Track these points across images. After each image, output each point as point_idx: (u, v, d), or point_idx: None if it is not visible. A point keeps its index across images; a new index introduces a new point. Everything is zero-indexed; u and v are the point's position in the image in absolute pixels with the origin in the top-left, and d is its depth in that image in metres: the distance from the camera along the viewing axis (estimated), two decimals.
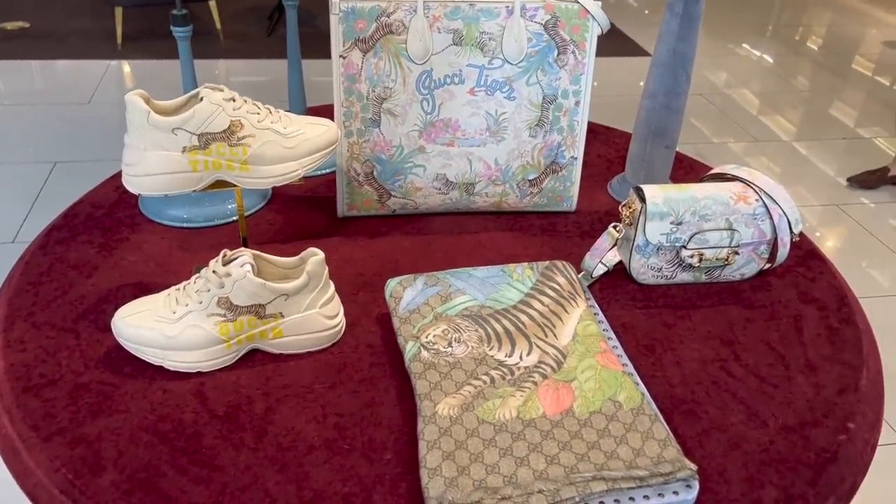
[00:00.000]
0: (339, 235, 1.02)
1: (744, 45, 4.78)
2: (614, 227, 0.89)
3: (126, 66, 3.78)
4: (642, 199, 0.89)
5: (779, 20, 5.47)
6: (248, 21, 4.45)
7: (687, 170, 1.21)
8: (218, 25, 4.21)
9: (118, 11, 3.95)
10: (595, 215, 1.08)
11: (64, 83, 3.51)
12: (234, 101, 0.81)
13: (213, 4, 4.16)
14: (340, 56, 0.94)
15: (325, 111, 1.29)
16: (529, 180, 1.04)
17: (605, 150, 1.27)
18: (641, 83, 3.93)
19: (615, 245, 0.90)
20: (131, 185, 0.80)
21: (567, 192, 1.06)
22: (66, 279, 0.91)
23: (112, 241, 0.98)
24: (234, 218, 1.04)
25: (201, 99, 0.80)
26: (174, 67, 3.75)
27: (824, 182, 3.14)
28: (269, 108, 0.85)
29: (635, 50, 4.33)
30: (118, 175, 1.13)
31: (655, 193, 0.88)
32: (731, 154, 3.28)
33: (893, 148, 3.52)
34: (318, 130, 0.86)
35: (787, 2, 5.86)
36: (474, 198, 1.05)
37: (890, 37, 5.30)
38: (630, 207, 0.90)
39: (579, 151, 1.04)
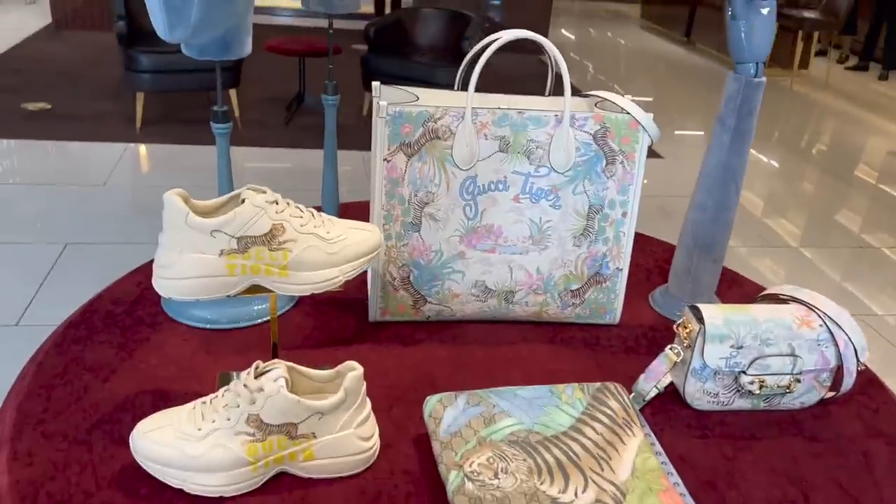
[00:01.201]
0: (370, 342, 0.97)
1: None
2: (672, 349, 0.84)
3: (143, 150, 3.82)
4: (700, 320, 0.84)
5: (785, 126, 5.58)
6: (266, 110, 4.54)
7: (730, 283, 1.16)
8: (237, 113, 4.28)
9: (139, 96, 4.02)
10: (639, 329, 1.03)
11: (80, 164, 3.54)
12: (276, 203, 0.78)
13: (232, 92, 4.24)
14: (384, 160, 0.91)
15: (358, 208, 1.26)
16: (572, 291, 1.00)
17: (643, 259, 1.23)
18: (645, 181, 3.96)
19: (672, 368, 0.85)
20: (163, 288, 0.76)
21: (611, 304, 1.01)
22: (80, 383, 0.85)
23: (131, 341, 0.93)
24: (260, 320, 0.98)
25: (243, 201, 0.76)
26: (190, 152, 3.79)
27: (832, 287, 3.11)
28: (311, 212, 0.81)
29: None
30: (140, 270, 1.08)
31: (714, 314, 0.84)
32: (738, 257, 3.26)
33: None
34: (362, 236, 0.82)
35: (793, 109, 6.00)
36: (513, 307, 1.00)
37: (894, 146, 5.39)
38: (686, 328, 0.85)
39: (625, 263, 1.00)
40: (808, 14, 6.55)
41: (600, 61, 7.30)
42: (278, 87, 4.99)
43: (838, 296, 3.04)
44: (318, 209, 1.21)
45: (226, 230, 0.75)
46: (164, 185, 3.42)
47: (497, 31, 0.91)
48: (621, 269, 1.00)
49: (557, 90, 0.94)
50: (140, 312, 0.99)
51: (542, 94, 1.01)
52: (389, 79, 4.18)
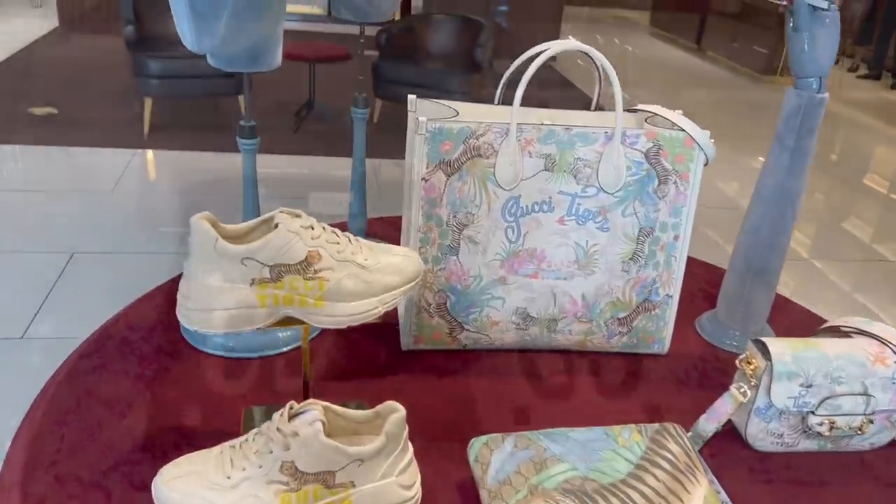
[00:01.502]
0: (403, 372, 0.91)
1: (759, 158, 4.78)
2: (738, 388, 0.78)
3: (151, 156, 3.76)
4: (766, 356, 0.78)
5: None
6: (274, 116, 4.48)
7: (780, 309, 1.10)
8: None
9: (147, 102, 3.97)
10: (689, 359, 0.97)
11: (87, 171, 3.48)
12: (312, 228, 0.72)
13: (241, 99, 4.19)
14: (422, 179, 0.85)
15: (385, 225, 1.20)
16: (619, 319, 0.93)
17: (686, 281, 1.16)
18: None
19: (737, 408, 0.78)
20: (189, 320, 0.70)
21: (659, 332, 0.95)
22: (95, 418, 0.79)
23: (149, 371, 0.87)
24: (286, 348, 0.92)
25: (276, 225, 0.70)
26: (199, 158, 3.73)
27: (843, 300, 3.04)
28: (347, 237, 0.75)
29: None
30: (157, 292, 1.02)
31: (782, 350, 0.77)
32: None
33: None
34: (401, 262, 0.76)
35: None
36: (556, 335, 0.93)
37: None
38: (751, 363, 0.78)
39: (676, 289, 0.93)
40: None
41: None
42: (287, 93, 4.93)
43: (850, 309, 2.97)
44: (344, 228, 1.15)
45: (258, 258, 0.69)
46: (173, 192, 3.36)
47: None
48: (671, 296, 0.94)
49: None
50: (158, 339, 0.93)
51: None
52: (400, 86, 4.12)
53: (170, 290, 1.03)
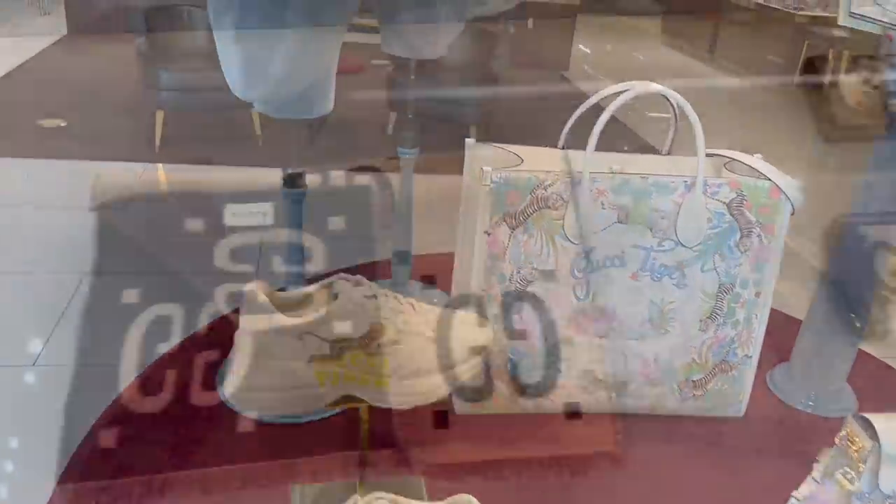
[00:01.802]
0: (459, 441, 0.83)
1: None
2: (845, 475, 0.70)
3: (163, 170, 3.70)
4: (871, 434, 0.70)
5: (815, 144, 5.44)
6: (287, 128, 4.42)
7: (857, 365, 1.02)
8: (258, 131, 4.16)
9: (159, 114, 3.91)
10: (766, 424, 0.90)
11: (97, 185, 3.42)
12: (375, 297, 0.64)
13: (253, 111, 4.12)
14: (485, 232, 0.78)
15: (434, 265, 1.12)
16: (693, 381, 0.86)
17: None
18: None
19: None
20: (241, 402, 0.62)
21: (736, 395, 0.88)
22: (131, 496, 0.71)
23: (186, 440, 0.80)
24: (337, 411, 0.85)
25: (336, 296, 0.63)
26: (212, 172, 3.67)
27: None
28: (411, 304, 0.68)
29: None
30: (188, 345, 0.95)
31: (889, 427, 0.70)
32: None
33: None
34: (472, 333, 0.69)
35: (818, 130, 5.86)
36: (625, 399, 0.86)
37: None
38: (854, 444, 0.71)
39: (755, 350, 0.86)
40: (837, 33, 6.43)
41: (619, 77, 7.17)
42: None
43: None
44: (386, 269, 1.08)
45: (318, 332, 0.62)
46: (187, 206, 3.30)
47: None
48: (750, 357, 0.86)
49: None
50: (194, 400, 0.86)
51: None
52: (415, 93, 4.05)
53: (200, 340, 0.97)
